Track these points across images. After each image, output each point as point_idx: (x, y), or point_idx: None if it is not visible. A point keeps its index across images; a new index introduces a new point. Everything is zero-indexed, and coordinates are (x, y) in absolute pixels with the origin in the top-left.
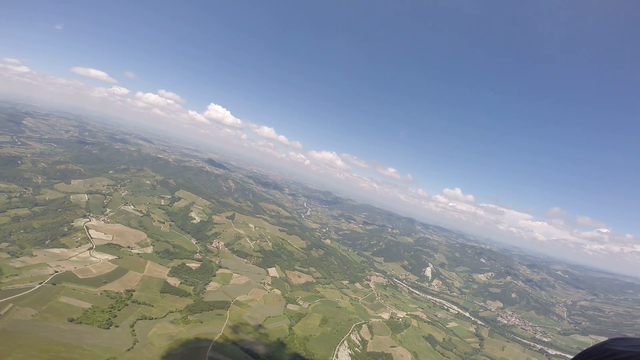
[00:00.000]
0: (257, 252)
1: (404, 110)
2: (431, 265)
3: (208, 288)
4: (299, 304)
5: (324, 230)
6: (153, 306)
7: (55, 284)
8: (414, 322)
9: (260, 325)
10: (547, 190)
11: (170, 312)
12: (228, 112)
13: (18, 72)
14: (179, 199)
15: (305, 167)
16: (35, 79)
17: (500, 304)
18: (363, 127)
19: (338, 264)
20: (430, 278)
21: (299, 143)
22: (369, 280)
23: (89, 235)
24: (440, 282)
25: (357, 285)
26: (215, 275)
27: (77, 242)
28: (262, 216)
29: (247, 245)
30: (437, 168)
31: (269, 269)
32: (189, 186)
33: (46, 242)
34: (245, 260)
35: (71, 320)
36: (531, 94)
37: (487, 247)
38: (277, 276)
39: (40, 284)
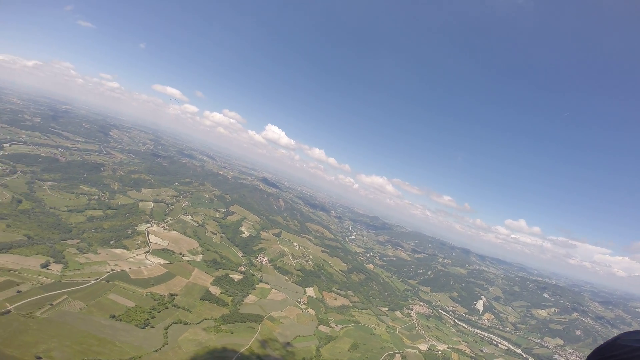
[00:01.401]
0: (297, 270)
1: (461, 136)
2: (484, 299)
3: (245, 300)
4: (330, 326)
5: (368, 255)
6: (191, 312)
7: (108, 282)
8: (454, 356)
9: (288, 343)
10: (630, 222)
11: (205, 319)
12: (283, 133)
13: (110, 87)
14: (232, 213)
15: (354, 191)
16: (123, 94)
17: (561, 342)
18: (416, 152)
19: (379, 290)
20: (481, 311)
21: (348, 166)
22: (411, 310)
23: (148, 239)
24: (492, 316)
25: (397, 313)
26: (254, 289)
27: (136, 244)
28: (306, 236)
29: (289, 263)
30: (499, 198)
31: (306, 288)
32: (243, 202)
33: (111, 242)
34: (286, 277)
35: (112, 317)
36: (605, 119)
37: (553, 281)
38: (314, 296)
39: (96, 280)
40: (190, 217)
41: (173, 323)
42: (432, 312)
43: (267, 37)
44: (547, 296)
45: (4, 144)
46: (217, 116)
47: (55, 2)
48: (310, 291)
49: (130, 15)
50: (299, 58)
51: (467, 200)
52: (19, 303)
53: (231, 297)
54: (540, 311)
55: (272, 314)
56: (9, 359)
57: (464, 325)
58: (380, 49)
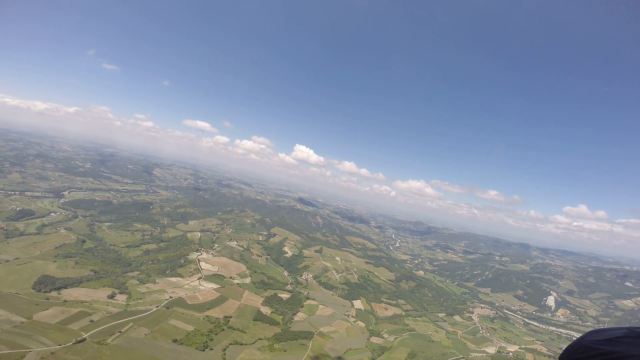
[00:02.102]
0: (342, 284)
1: (496, 130)
2: (554, 294)
3: (295, 318)
4: (383, 337)
5: (416, 261)
6: (245, 332)
7: (168, 308)
8: (529, 357)
9: (339, 358)
10: None
11: (259, 339)
12: (311, 151)
13: (146, 126)
14: (274, 235)
15: (392, 199)
16: (159, 132)
17: None
18: (450, 151)
19: (433, 295)
20: (553, 308)
21: (381, 175)
22: (472, 313)
23: (200, 266)
24: (568, 312)
25: (456, 318)
26: (302, 306)
27: (190, 272)
28: (348, 249)
29: (333, 278)
30: (551, 185)
31: (354, 301)
32: (282, 223)
33: (167, 272)
34: (331, 292)
35: (175, 341)
36: None
37: (634, 268)
38: (362, 308)
39: (157, 307)
40: (235, 242)
41: (230, 344)
42: (497, 314)
43: (283, 63)
44: (631, 285)
45: (63, 192)
46: (247, 143)
47: (77, 48)
48: (357, 304)
49: (149, 53)
50: (317, 78)
51: (516, 192)
52: (92, 331)
53: (281, 316)
54: (625, 302)
55: (321, 329)
56: None
57: (535, 323)
58: (394, 55)
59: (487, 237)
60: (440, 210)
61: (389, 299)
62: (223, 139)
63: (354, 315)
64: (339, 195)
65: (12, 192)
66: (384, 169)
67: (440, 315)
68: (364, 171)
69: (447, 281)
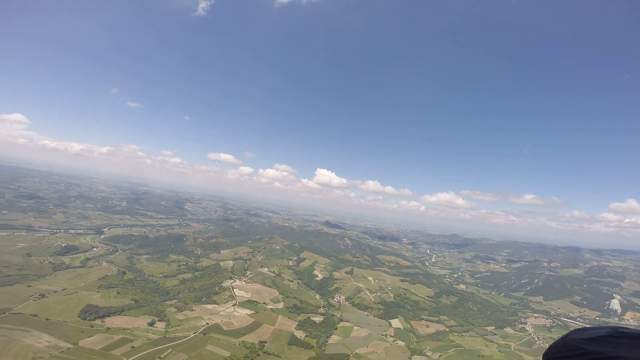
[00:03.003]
0: (377, 304)
1: (522, 131)
2: (618, 296)
3: (330, 341)
4: (426, 355)
5: (455, 275)
6: (280, 357)
7: (205, 334)
8: None
9: None
10: None
11: None
12: (333, 174)
13: (174, 162)
14: (304, 259)
15: (421, 214)
16: (186, 168)
17: None
18: (476, 159)
19: (478, 309)
20: (619, 311)
21: (408, 190)
22: (525, 323)
23: (234, 293)
24: (638, 314)
25: (508, 330)
26: (336, 329)
27: (224, 299)
28: (380, 268)
29: (367, 298)
30: (592, 182)
31: (391, 321)
32: (311, 247)
33: (202, 299)
34: (366, 312)
35: None
36: None
37: None
38: (401, 327)
39: (194, 333)
40: (267, 269)
41: None
42: (554, 322)
43: (294, 87)
44: None
45: (103, 229)
46: (270, 172)
47: (101, 87)
48: (395, 323)
49: (167, 89)
50: (329, 98)
51: (554, 194)
52: (134, 357)
53: (315, 339)
54: None
55: (357, 351)
56: None
57: None
58: (403, 63)
59: (531, 243)
60: (474, 221)
61: (429, 315)
62: (247, 169)
63: (393, 334)
64: (365, 215)
65: (58, 230)
66: (410, 184)
67: (489, 328)
68: (389, 189)
69: (492, 293)
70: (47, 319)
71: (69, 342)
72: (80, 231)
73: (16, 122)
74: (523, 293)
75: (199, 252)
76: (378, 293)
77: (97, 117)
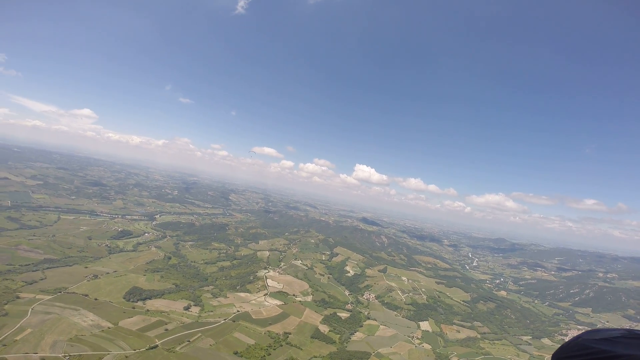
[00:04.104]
0: (408, 305)
1: (584, 133)
2: None
3: (353, 338)
4: None
5: (497, 281)
6: (301, 349)
7: (234, 321)
8: None
9: None
10: None
11: (314, 356)
12: (373, 170)
13: (221, 155)
14: (337, 254)
15: (467, 215)
16: (232, 160)
17: None
18: (530, 160)
19: (517, 317)
20: None
21: (453, 190)
22: (565, 335)
23: (266, 283)
24: None
25: (545, 340)
26: (362, 326)
27: (257, 288)
28: (416, 269)
29: (398, 298)
30: None
31: (420, 323)
32: (345, 243)
33: (237, 287)
34: (395, 312)
35: (235, 353)
36: None
37: None
38: (430, 330)
39: (224, 320)
40: (300, 261)
41: None
42: None
43: (332, 85)
44: None
45: (156, 216)
46: (310, 166)
47: (157, 83)
48: (424, 325)
49: (215, 86)
50: (370, 92)
51: (620, 200)
52: (165, 339)
53: (339, 335)
54: None
55: (379, 350)
56: None
57: None
58: (452, 58)
59: (587, 252)
60: (525, 226)
61: (462, 320)
62: (288, 163)
63: (420, 337)
64: (405, 213)
65: (116, 216)
66: (455, 183)
67: (525, 338)
68: (432, 187)
69: (536, 302)
70: (95, 299)
71: (110, 322)
72: (135, 217)
73: (85, 117)
74: (570, 303)
75: (239, 242)
76: (410, 294)
77: (153, 112)
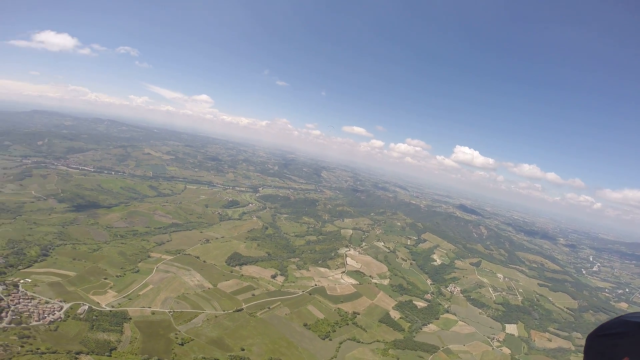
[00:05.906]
0: (497, 304)
1: None
2: None
3: (424, 329)
4: None
5: (620, 291)
6: (366, 331)
7: (310, 294)
8: None
9: None
10: None
11: (377, 341)
12: (477, 152)
13: (315, 135)
14: (424, 241)
15: (595, 212)
16: (325, 140)
17: None
18: None
19: None
20: None
21: (579, 181)
22: None
23: (345, 261)
24: None
25: None
26: (438, 319)
27: (336, 265)
28: (517, 266)
29: (487, 295)
30: None
31: (507, 325)
32: (436, 230)
33: (319, 262)
34: (480, 310)
35: (305, 325)
36: None
37: None
38: (516, 334)
39: (302, 292)
40: (382, 243)
41: (347, 339)
42: None
43: (431, 65)
44: None
45: (259, 188)
46: (401, 147)
47: (257, 68)
48: (511, 328)
49: (305, 68)
50: (465, 73)
51: None
52: (250, 304)
53: (409, 324)
54: None
55: (450, 346)
56: (224, 346)
57: None
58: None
59: None
60: None
61: (558, 329)
62: (378, 142)
63: (501, 339)
64: (514, 204)
65: (228, 187)
66: (582, 174)
67: None
68: (551, 176)
69: None
70: (204, 262)
71: (211, 283)
72: (242, 189)
73: (204, 102)
74: None
75: (326, 218)
76: (503, 292)
77: (256, 96)
